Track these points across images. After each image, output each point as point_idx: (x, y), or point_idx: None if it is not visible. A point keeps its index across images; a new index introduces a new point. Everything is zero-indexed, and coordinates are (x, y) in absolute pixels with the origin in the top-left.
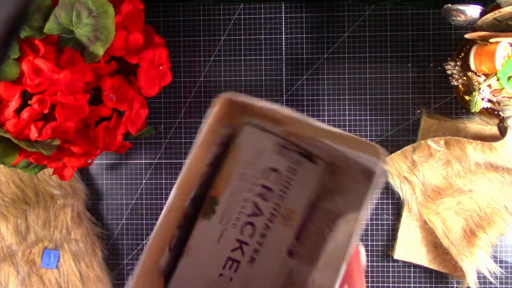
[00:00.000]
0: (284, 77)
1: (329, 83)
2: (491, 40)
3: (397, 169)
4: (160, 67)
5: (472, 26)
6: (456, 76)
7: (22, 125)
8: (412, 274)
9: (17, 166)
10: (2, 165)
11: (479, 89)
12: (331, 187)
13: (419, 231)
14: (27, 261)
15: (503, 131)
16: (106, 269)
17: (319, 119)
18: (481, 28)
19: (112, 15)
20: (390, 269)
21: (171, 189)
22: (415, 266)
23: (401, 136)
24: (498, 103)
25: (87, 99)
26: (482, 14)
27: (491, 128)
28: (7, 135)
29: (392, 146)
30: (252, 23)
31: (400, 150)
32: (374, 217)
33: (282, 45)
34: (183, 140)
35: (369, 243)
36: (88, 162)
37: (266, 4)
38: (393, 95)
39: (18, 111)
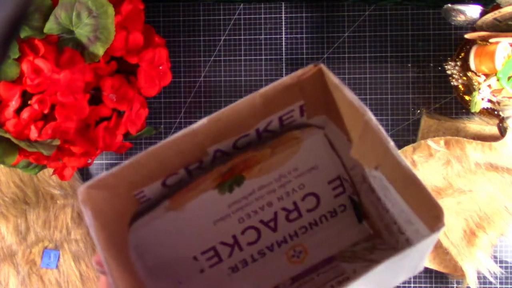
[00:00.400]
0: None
1: None
2: (491, 40)
3: None
4: (160, 67)
5: (472, 26)
6: (456, 76)
7: (22, 125)
8: None
9: (17, 166)
10: (2, 165)
11: (479, 89)
12: (360, 255)
13: None
14: (27, 261)
15: (503, 131)
16: None
17: None
18: (481, 28)
19: (112, 15)
20: None
21: None
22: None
23: (401, 136)
24: (498, 103)
25: (87, 99)
26: (482, 14)
27: (491, 128)
28: (7, 135)
29: None
30: (252, 23)
31: (400, 150)
32: None
33: (282, 45)
34: None
35: None
36: (88, 162)
37: (266, 4)
38: (393, 95)
39: (18, 111)
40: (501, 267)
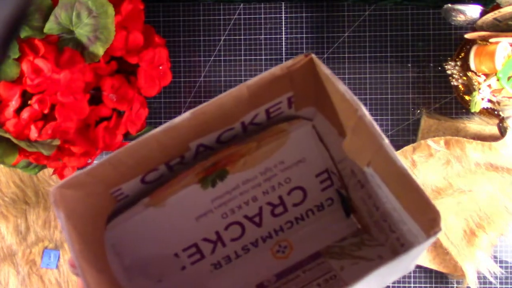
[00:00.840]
0: None
1: None
2: (491, 40)
3: None
4: (160, 67)
5: (472, 26)
6: (456, 76)
7: (22, 125)
8: (412, 274)
9: (17, 166)
10: (2, 165)
11: (479, 89)
12: (347, 252)
13: None
14: (27, 261)
15: (503, 131)
16: None
17: None
18: (481, 28)
19: (112, 15)
20: None
21: None
22: (415, 266)
23: (401, 136)
24: (498, 103)
25: (87, 99)
26: (482, 14)
27: (491, 128)
28: (7, 135)
29: (392, 146)
30: (252, 23)
31: (400, 150)
32: None
33: (282, 45)
34: None
35: None
36: (88, 162)
37: (266, 4)
38: (393, 95)
39: (18, 111)
40: (501, 267)
